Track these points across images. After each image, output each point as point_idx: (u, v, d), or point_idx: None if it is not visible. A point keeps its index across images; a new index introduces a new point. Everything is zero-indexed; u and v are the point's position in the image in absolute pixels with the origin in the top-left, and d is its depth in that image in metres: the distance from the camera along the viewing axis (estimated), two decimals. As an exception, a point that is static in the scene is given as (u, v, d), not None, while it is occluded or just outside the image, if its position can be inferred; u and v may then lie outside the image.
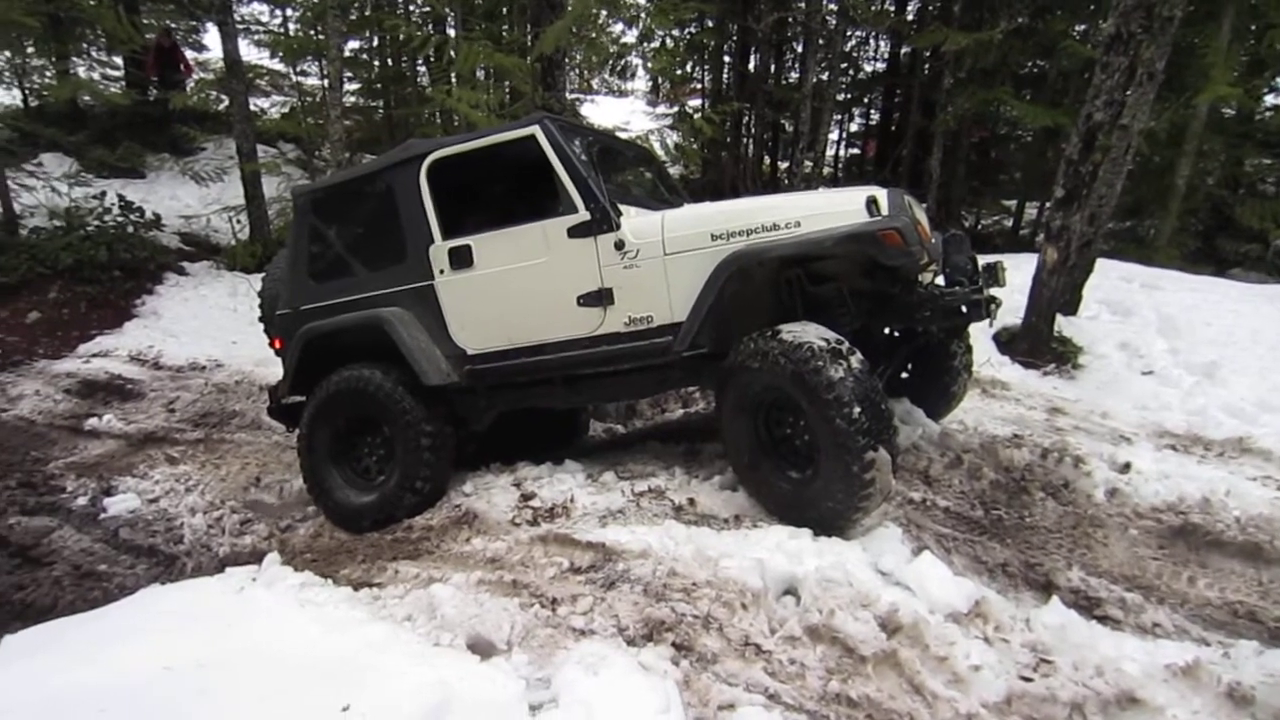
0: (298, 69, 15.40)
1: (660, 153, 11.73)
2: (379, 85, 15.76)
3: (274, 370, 5.82)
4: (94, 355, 8.92)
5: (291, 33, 14.57)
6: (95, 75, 16.07)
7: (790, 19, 15.14)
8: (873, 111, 19.54)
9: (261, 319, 5.85)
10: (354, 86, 15.65)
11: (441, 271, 4.73)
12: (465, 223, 4.92)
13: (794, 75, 17.10)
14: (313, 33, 13.28)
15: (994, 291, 4.49)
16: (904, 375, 5.30)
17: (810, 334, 3.72)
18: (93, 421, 7.26)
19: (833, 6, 13.64)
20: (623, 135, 10.60)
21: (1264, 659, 2.82)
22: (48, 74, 14.85)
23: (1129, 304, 7.89)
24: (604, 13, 11.66)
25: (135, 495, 5.77)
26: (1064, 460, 4.70)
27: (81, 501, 5.71)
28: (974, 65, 12.54)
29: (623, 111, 20.95)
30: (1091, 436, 5.40)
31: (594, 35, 12.42)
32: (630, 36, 14.08)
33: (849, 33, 16.06)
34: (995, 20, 12.41)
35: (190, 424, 7.33)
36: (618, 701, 2.59)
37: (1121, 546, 4.00)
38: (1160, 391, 6.38)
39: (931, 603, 3.10)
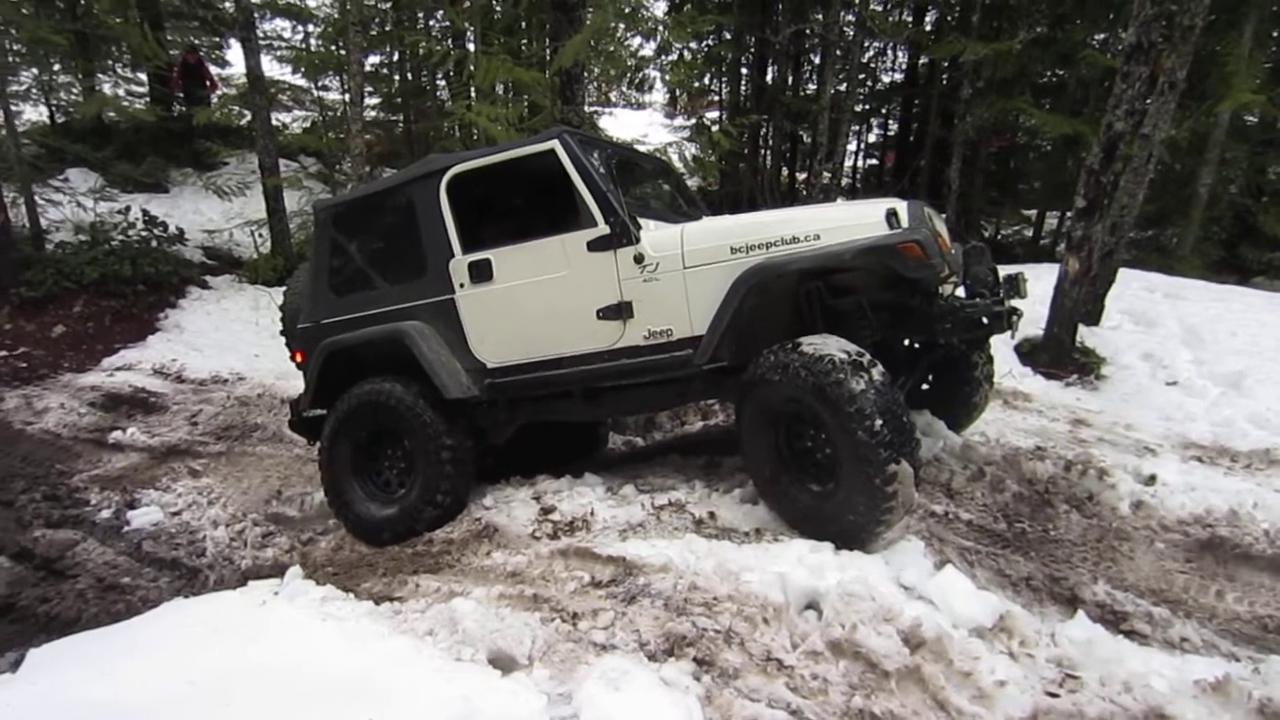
0: (319, 84, 15.59)
1: (678, 165, 11.77)
2: (399, 100, 15.91)
3: (295, 383, 5.86)
4: (118, 368, 9.03)
5: (313, 48, 14.77)
6: (120, 92, 16.32)
7: (808, 31, 15.14)
8: (891, 122, 19.53)
9: (283, 332, 5.90)
10: (375, 101, 15.80)
11: (462, 285, 4.75)
12: (485, 237, 4.95)
13: (812, 87, 17.12)
14: (334, 48, 13.44)
15: (1015, 303, 4.46)
16: (924, 387, 5.27)
17: (831, 346, 3.71)
18: (116, 434, 7.34)
19: (850, 18, 13.64)
20: (641, 148, 10.64)
21: (1295, 675, 2.78)
22: (74, 91, 15.10)
23: (1152, 314, 7.82)
24: (622, 26, 11.70)
25: (158, 508, 5.83)
26: (1088, 472, 4.65)
27: (105, 514, 5.78)
28: (993, 75, 12.50)
29: (641, 124, 21.02)
30: (1116, 448, 5.34)
31: (612, 49, 12.45)
32: (648, 49, 14.12)
33: (867, 44, 16.03)
34: (1014, 30, 12.37)
35: (212, 437, 7.39)
36: (639, 717, 2.58)
37: (1148, 560, 3.96)
38: (1185, 402, 6.31)
39: (955, 617, 3.08)
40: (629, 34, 12.58)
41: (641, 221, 4.39)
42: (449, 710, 2.56)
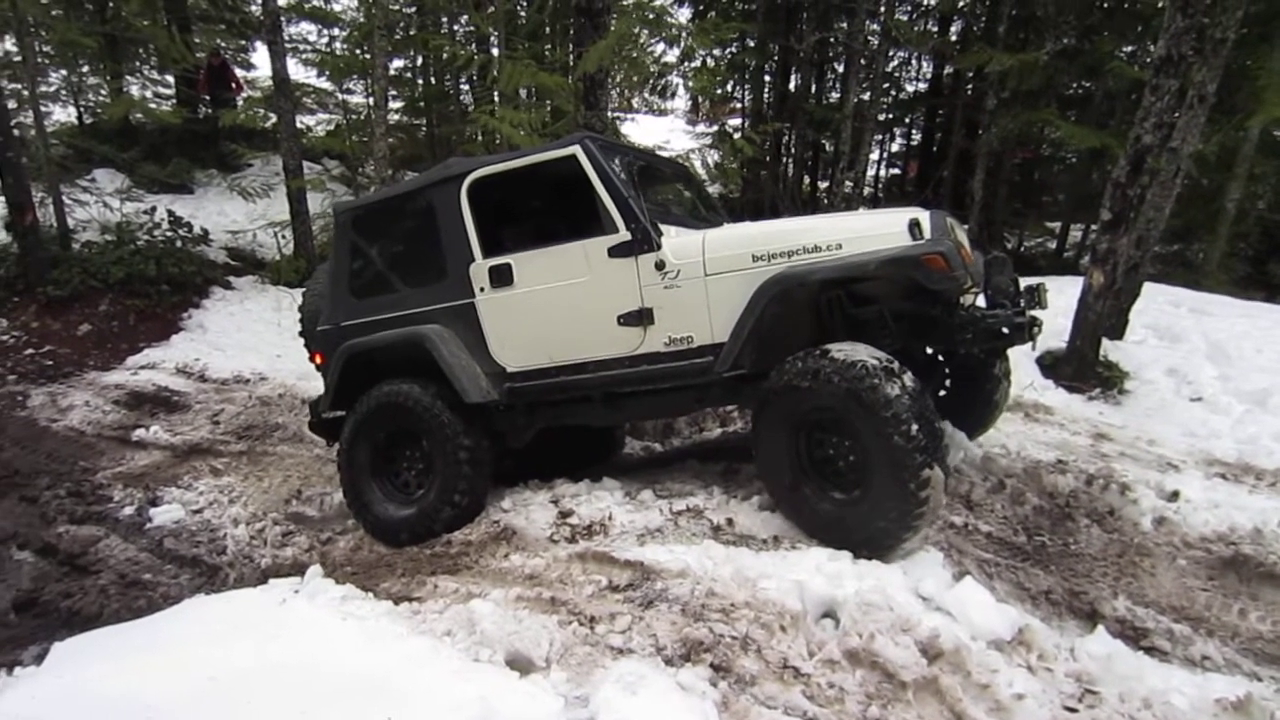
0: (344, 87, 15.70)
1: (700, 171, 11.77)
2: (423, 104, 16.01)
3: (316, 384, 5.90)
4: (142, 367, 9.12)
5: (338, 52, 14.88)
6: (148, 94, 16.54)
7: (832, 39, 15.13)
8: (914, 132, 19.44)
9: (302, 334, 5.94)
10: (398, 105, 15.91)
11: (482, 289, 4.78)
12: (506, 241, 4.96)
13: (835, 95, 17.07)
14: (359, 52, 13.54)
15: (1036, 313, 4.44)
16: (941, 394, 5.25)
17: (862, 353, 3.72)
18: (140, 432, 7.42)
19: (875, 27, 13.61)
20: (663, 154, 10.65)
21: (1319, 695, 2.75)
22: (102, 92, 15.30)
23: (1177, 329, 7.74)
24: (646, 32, 11.74)
25: (180, 506, 5.88)
26: (1110, 487, 4.62)
27: (128, 511, 5.83)
28: (1018, 86, 12.43)
29: (663, 130, 21.05)
30: (1138, 463, 5.30)
31: (636, 55, 12.51)
32: (671, 56, 14.15)
33: (891, 53, 16.00)
34: (1041, 41, 12.30)
35: (234, 436, 7.45)
36: (656, 722, 2.58)
37: (1169, 576, 3.92)
38: (1209, 419, 6.24)
39: (973, 629, 3.06)
40: (653, 40, 12.62)
41: (663, 228, 4.39)
42: (467, 711, 2.56)
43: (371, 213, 5.31)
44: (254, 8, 15.32)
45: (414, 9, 14.36)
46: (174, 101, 15.63)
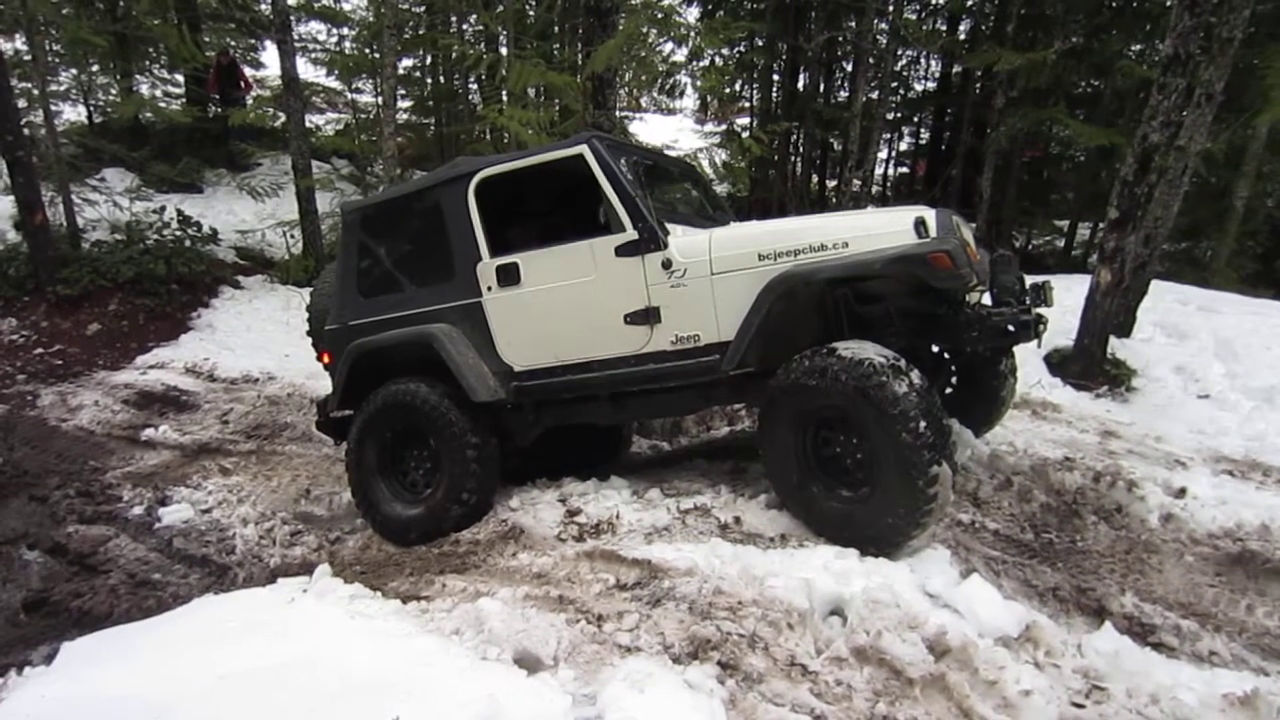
0: (353, 86, 15.75)
1: (708, 171, 11.76)
2: (431, 103, 16.06)
3: (324, 383, 5.93)
4: (151, 367, 9.16)
5: (348, 51, 14.92)
6: (157, 93, 16.58)
7: (840, 38, 15.12)
8: (923, 130, 19.42)
9: (310, 333, 5.96)
10: (407, 104, 15.96)
11: (489, 288, 4.79)
12: (513, 240, 4.98)
13: (843, 94, 17.07)
14: (368, 51, 13.58)
15: (1041, 311, 4.44)
16: (948, 391, 5.25)
17: (869, 350, 3.73)
18: (149, 432, 7.45)
19: (884, 26, 13.59)
20: (671, 153, 10.66)
21: (1327, 691, 2.74)
22: (112, 91, 15.36)
23: (1185, 327, 7.72)
24: (655, 32, 11.74)
25: (189, 505, 5.91)
26: (1117, 484, 4.62)
27: (137, 511, 5.86)
28: (1027, 84, 12.40)
29: (671, 129, 21.07)
30: (1145, 460, 5.29)
31: (644, 54, 12.50)
32: (680, 55, 14.13)
33: (900, 52, 15.98)
34: (1049, 40, 12.27)
35: (243, 435, 7.48)
36: (664, 719, 2.59)
37: (1177, 573, 3.92)
38: (1217, 416, 6.23)
39: (980, 626, 3.07)
40: (661, 40, 12.62)
41: (669, 227, 4.40)
42: (475, 709, 2.58)
43: (379, 212, 5.33)
44: (264, 7, 15.37)
45: (423, 8, 14.39)
46: (184, 101, 15.67)
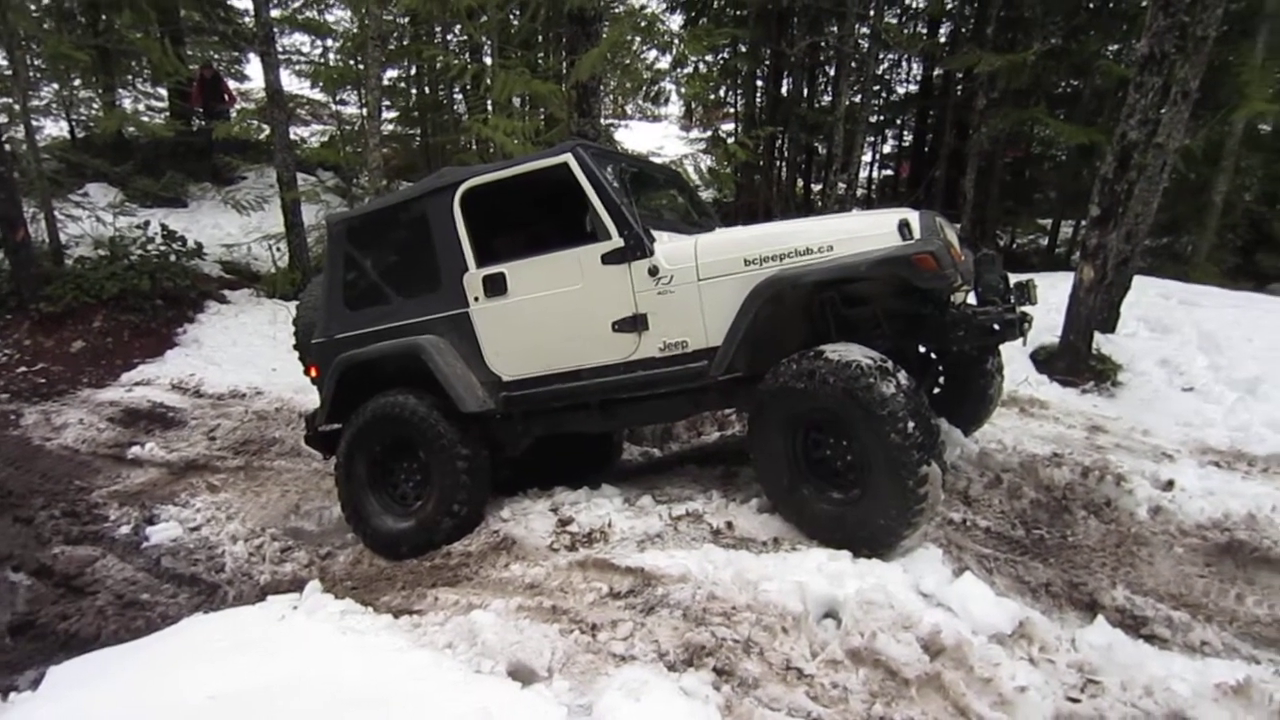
0: (337, 98, 15.74)
1: (694, 176, 11.78)
2: (417, 113, 16.03)
3: (313, 397, 5.90)
4: (136, 383, 9.11)
5: (331, 63, 14.89)
6: (140, 107, 16.51)
7: (823, 43, 15.19)
8: (906, 133, 19.54)
9: (296, 347, 5.93)
10: (392, 115, 15.91)
11: (476, 299, 4.78)
12: (499, 250, 4.97)
13: (827, 98, 17.15)
14: (352, 62, 13.55)
15: (1026, 309, 4.48)
16: (936, 391, 5.28)
17: (856, 353, 3.75)
18: (135, 450, 7.40)
19: (865, 31, 13.68)
20: (656, 160, 10.67)
21: (1318, 679, 2.77)
22: (94, 106, 15.27)
23: (1168, 321, 7.78)
24: (638, 40, 11.75)
25: (177, 523, 5.87)
26: (1105, 478, 4.65)
27: (124, 530, 5.82)
28: (1007, 85, 12.50)
29: (656, 136, 21.12)
30: (1133, 454, 5.33)
31: (628, 62, 12.52)
32: (664, 62, 14.14)
33: (881, 56, 16.07)
34: (1028, 41, 12.37)
35: (231, 451, 7.44)
36: (660, 727, 2.59)
37: (1167, 565, 3.96)
38: (1202, 408, 6.28)
39: (974, 624, 3.08)
40: (645, 47, 12.64)
41: (655, 234, 4.41)
42: (470, 721, 2.57)
43: (365, 224, 5.31)
44: (247, 20, 15.32)
45: (407, 19, 14.36)
46: (167, 114, 15.61)
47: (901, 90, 18.92)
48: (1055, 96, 14.32)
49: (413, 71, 15.96)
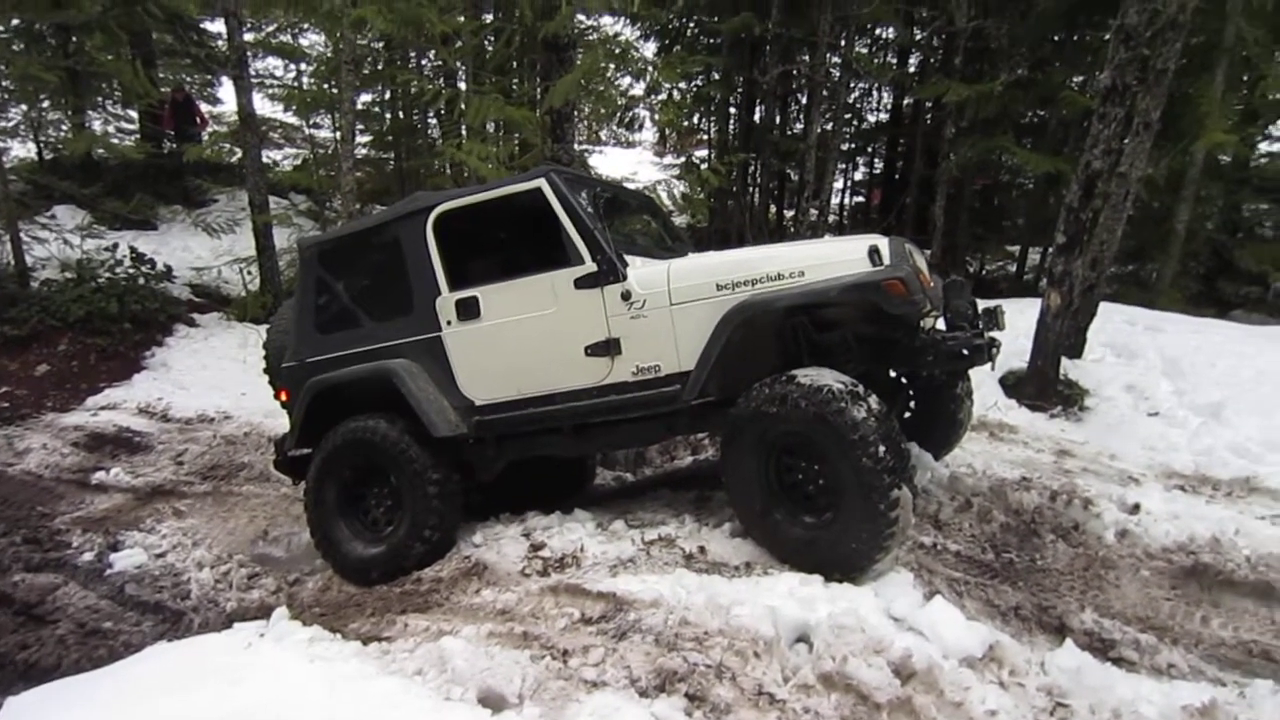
0: (310, 122, 15.66)
1: (667, 202, 11.85)
2: (390, 137, 15.99)
3: (282, 421, 5.84)
4: (102, 408, 8.95)
5: (305, 87, 14.84)
6: (110, 129, 16.33)
7: (795, 72, 15.37)
8: (877, 160, 19.75)
9: (266, 370, 5.88)
10: (366, 139, 15.88)
11: (449, 323, 4.78)
12: (472, 274, 4.97)
13: (799, 126, 17.31)
14: (326, 87, 13.51)
15: (994, 335, 4.54)
16: (906, 416, 5.32)
17: (827, 377, 3.78)
18: (100, 475, 7.27)
19: (836, 60, 13.87)
20: (630, 185, 10.73)
21: (1280, 699, 2.81)
22: (63, 127, 15.10)
23: (1133, 346, 7.91)
24: (613, 67, 11.86)
25: (142, 550, 5.75)
26: (1073, 502, 4.71)
27: (87, 557, 5.68)
28: (975, 115, 12.71)
29: (630, 162, 21.20)
30: (1100, 478, 5.39)
31: (602, 88, 12.61)
32: (638, 89, 14.26)
33: (852, 85, 16.29)
34: (995, 72, 12.60)
35: (198, 477, 7.33)
36: (630, 753, 2.57)
37: (1134, 588, 4.00)
38: (1167, 432, 6.37)
39: (945, 648, 3.09)
40: (619, 74, 12.75)
41: (629, 258, 4.44)
42: (439, 748, 2.54)
43: (337, 247, 5.30)
44: (220, 43, 15.27)
45: (382, 44, 14.40)
46: (137, 136, 15.48)
47: (872, 118, 19.16)
48: (1022, 126, 14.57)
49: (387, 96, 15.97)
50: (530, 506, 5.18)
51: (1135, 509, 4.66)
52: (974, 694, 2.80)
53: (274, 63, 16.17)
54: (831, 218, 16.67)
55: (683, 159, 19.28)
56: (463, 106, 9.66)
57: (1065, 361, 7.34)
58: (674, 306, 4.23)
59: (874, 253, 3.97)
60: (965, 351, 4.24)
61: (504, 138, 13.36)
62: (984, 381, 6.67)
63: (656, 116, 15.33)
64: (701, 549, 4.18)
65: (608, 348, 4.37)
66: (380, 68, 14.38)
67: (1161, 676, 3.27)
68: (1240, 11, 10.23)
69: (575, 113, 9.67)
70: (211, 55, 15.60)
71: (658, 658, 3.15)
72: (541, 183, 4.50)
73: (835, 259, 4.04)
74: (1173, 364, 7.39)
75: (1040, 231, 14.10)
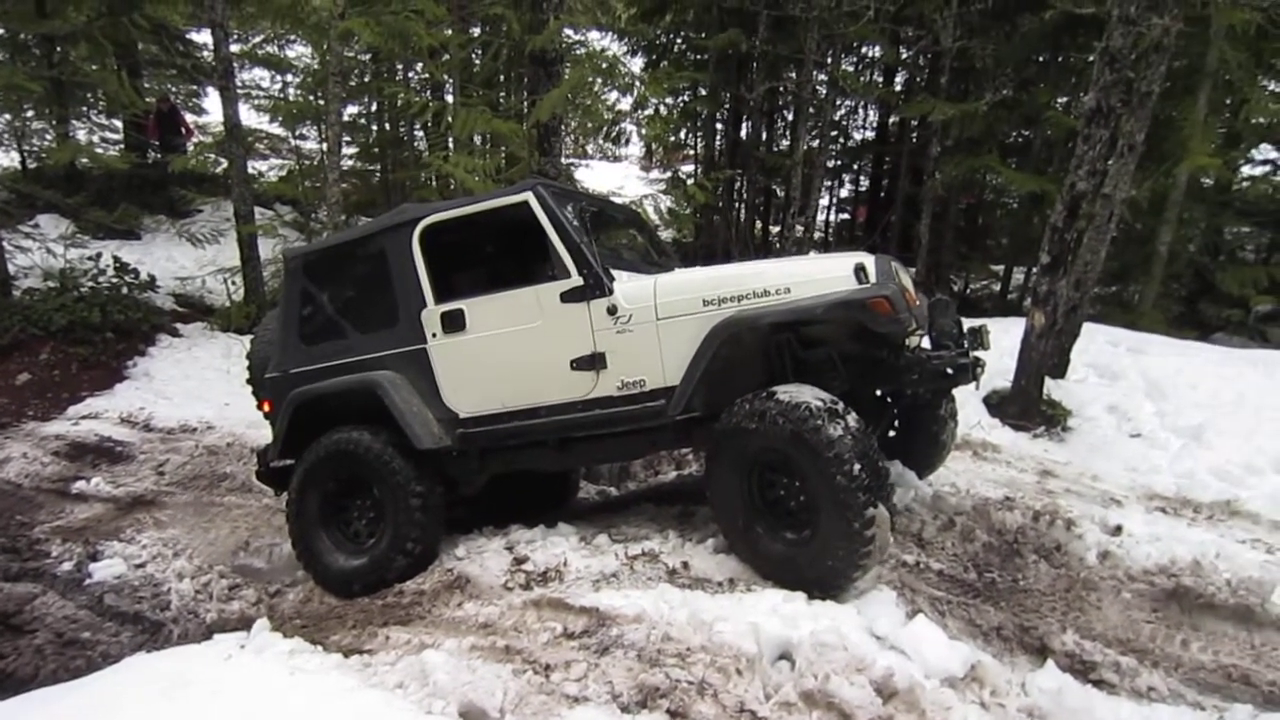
0: (297, 133, 15.63)
1: (654, 217, 11.89)
2: (377, 149, 15.99)
3: (265, 432, 5.80)
4: (84, 417, 8.87)
5: (291, 98, 14.83)
6: (95, 138, 16.26)
7: (781, 89, 15.48)
8: (863, 178, 19.89)
9: (250, 381, 5.85)
10: (352, 150, 15.87)
11: (434, 335, 4.77)
12: (458, 287, 4.97)
13: (785, 142, 17.41)
14: (313, 98, 13.51)
15: (978, 354, 4.56)
16: (890, 434, 5.33)
17: (807, 394, 3.79)
18: (80, 484, 7.20)
19: (823, 77, 13.96)
20: (617, 200, 10.77)
21: (1259, 724, 2.82)
22: (48, 137, 15.04)
23: (1116, 367, 7.97)
24: (600, 81, 11.92)
25: (122, 560, 5.70)
26: (1056, 523, 4.72)
27: (66, 567, 5.63)
28: (961, 134, 12.82)
29: (617, 176, 21.27)
30: (1082, 499, 5.42)
31: (590, 103, 12.68)
32: (625, 104, 14.33)
33: (839, 102, 16.42)
34: (981, 92, 12.73)
35: (180, 487, 7.27)
36: (611, 770, 2.55)
37: (1115, 609, 4.01)
38: (1149, 454, 6.42)
39: (927, 667, 3.10)
40: (606, 89, 12.80)
41: (615, 273, 4.44)
42: (418, 764, 2.52)
43: (323, 258, 5.28)
44: (206, 54, 15.24)
45: (369, 56, 14.42)
46: (122, 146, 15.41)
47: (858, 136, 19.32)
48: (1007, 145, 14.70)
49: (374, 108, 15.96)
50: (514, 520, 5.17)
51: (1117, 530, 4.69)
52: (955, 714, 2.81)
53: (260, 74, 16.14)
54: (817, 234, 16.75)
55: (669, 174, 19.36)
56: (450, 119, 9.67)
57: (1049, 381, 7.39)
58: (660, 321, 4.23)
59: (860, 271, 3.99)
60: (950, 371, 4.26)
61: (491, 151, 13.39)
62: (968, 400, 6.71)
63: (643, 131, 15.40)
64: (685, 564, 4.17)
65: (593, 362, 4.37)
66: (367, 80, 14.39)
67: (1142, 699, 3.28)
68: (1223, 36, 10.37)
69: (562, 126, 9.70)
70: (198, 66, 15.58)
71: (640, 673, 3.14)
72: (529, 196, 4.51)
73: (821, 276, 4.06)
74: (1155, 386, 7.45)
75: (1024, 251, 14.21)
